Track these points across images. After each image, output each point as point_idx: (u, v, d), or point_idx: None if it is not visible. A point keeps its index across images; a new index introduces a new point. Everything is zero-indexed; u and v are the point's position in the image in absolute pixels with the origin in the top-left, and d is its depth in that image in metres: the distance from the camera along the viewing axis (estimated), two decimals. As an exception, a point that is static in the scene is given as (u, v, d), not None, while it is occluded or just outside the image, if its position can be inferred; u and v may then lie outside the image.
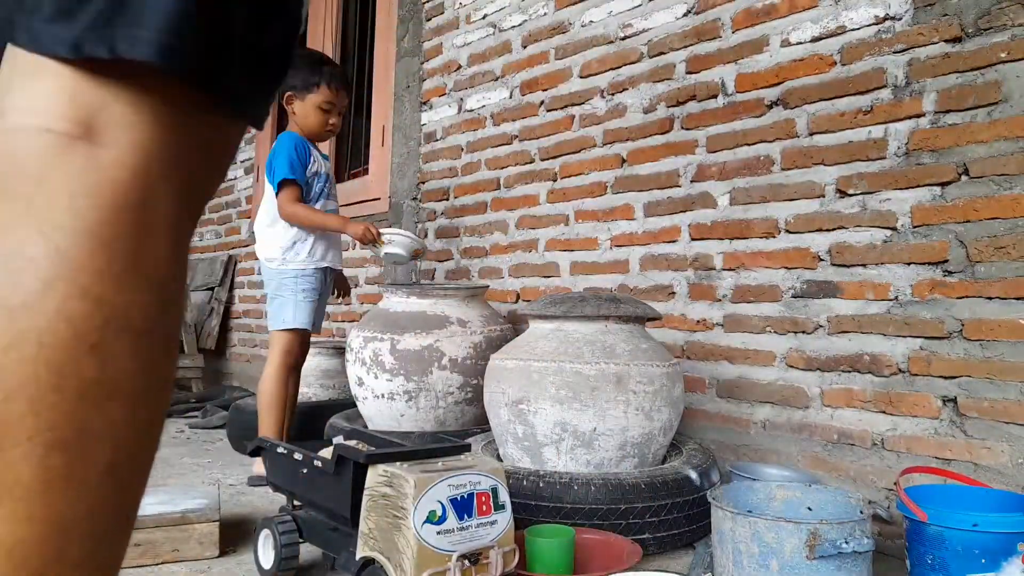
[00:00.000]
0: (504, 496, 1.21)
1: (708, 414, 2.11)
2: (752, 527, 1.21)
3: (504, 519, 1.20)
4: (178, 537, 1.46)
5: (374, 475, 1.17)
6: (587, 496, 1.50)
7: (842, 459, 1.82)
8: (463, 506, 1.15)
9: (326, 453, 1.32)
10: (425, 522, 1.10)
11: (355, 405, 2.32)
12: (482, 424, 2.10)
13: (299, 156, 2.19)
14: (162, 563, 1.44)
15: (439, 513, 1.12)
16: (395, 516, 1.12)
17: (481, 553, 1.15)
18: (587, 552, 1.39)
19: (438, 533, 1.11)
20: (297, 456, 1.35)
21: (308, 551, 1.41)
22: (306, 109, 2.21)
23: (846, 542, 1.16)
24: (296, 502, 1.46)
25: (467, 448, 1.33)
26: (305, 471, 1.34)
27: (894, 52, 1.77)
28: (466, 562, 1.12)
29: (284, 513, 1.42)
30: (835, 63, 1.87)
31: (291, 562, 1.34)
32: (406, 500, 1.10)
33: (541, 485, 1.52)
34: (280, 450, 1.41)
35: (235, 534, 1.60)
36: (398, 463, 1.18)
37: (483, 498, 1.18)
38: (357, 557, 1.19)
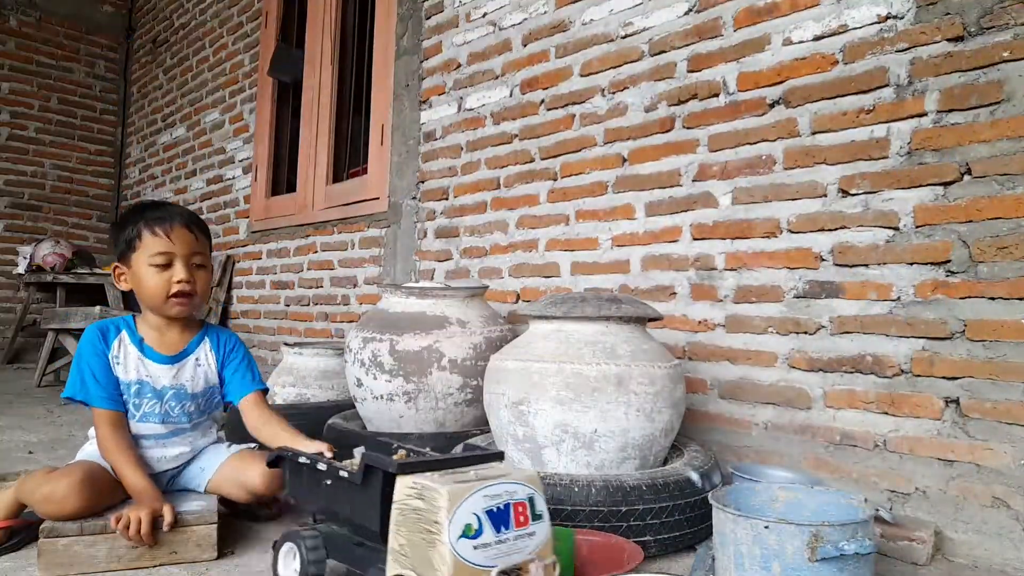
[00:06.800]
0: (541, 505, 1.13)
1: (710, 415, 2.10)
2: (754, 529, 1.20)
3: (543, 530, 1.12)
4: (176, 539, 1.45)
5: (403, 487, 1.09)
6: (588, 498, 1.49)
7: (844, 460, 1.81)
8: (500, 518, 1.07)
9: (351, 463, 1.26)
10: (461, 536, 1.02)
11: (354, 406, 2.31)
12: (482, 425, 2.09)
13: (92, 358, 1.59)
14: (160, 565, 1.43)
15: (475, 527, 1.04)
16: (428, 531, 1.05)
17: (521, 567, 1.07)
18: (588, 554, 1.38)
19: (475, 548, 1.03)
20: (321, 467, 1.28)
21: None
22: (138, 274, 1.59)
23: (848, 544, 1.15)
24: (318, 516, 1.38)
25: (500, 456, 1.26)
26: (329, 482, 1.26)
27: (896, 51, 1.76)
28: None
29: (310, 527, 1.33)
30: (837, 62, 1.87)
31: (317, 574, 1.28)
32: (440, 514, 1.03)
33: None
34: (302, 460, 1.34)
35: (233, 536, 1.59)
36: (429, 473, 1.10)
37: (520, 508, 1.10)
38: (388, 575, 1.11)
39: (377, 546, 1.16)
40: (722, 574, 1.27)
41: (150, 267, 1.57)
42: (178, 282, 1.57)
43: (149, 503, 1.44)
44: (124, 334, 1.63)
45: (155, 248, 1.56)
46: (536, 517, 1.12)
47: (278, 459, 1.45)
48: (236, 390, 1.71)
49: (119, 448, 1.54)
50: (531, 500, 1.12)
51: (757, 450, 1.99)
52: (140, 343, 1.64)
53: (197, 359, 1.69)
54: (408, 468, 1.12)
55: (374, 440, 1.44)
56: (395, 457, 1.30)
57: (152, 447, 1.64)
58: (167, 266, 1.57)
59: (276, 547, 1.35)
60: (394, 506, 1.11)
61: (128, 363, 1.61)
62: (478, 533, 1.04)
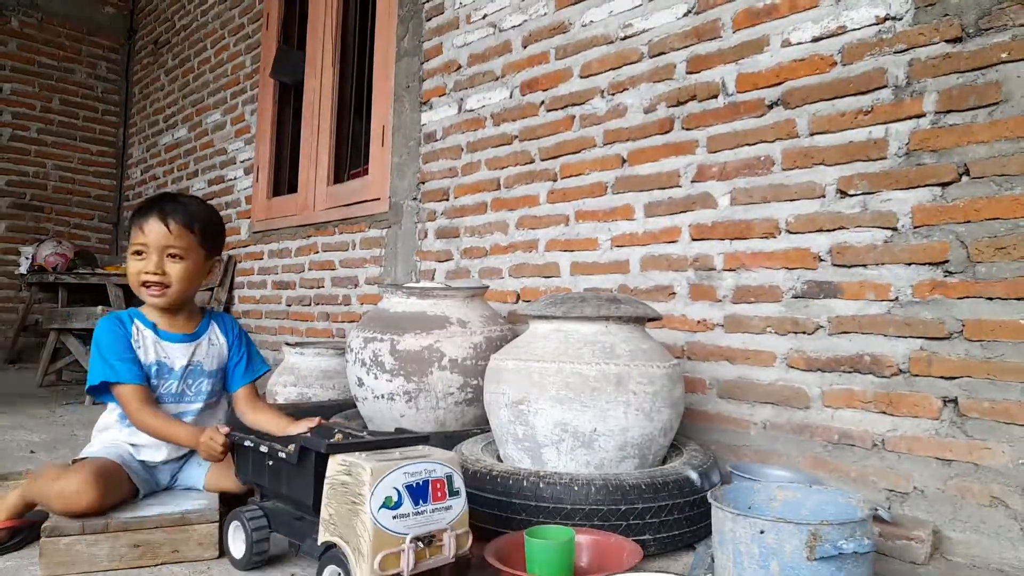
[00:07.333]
0: (459, 483, 1.26)
1: (708, 415, 2.11)
2: (752, 528, 1.20)
3: (459, 504, 1.25)
4: (178, 538, 1.46)
5: (334, 464, 1.23)
6: (587, 497, 1.49)
7: (843, 460, 1.82)
8: (418, 492, 1.20)
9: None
10: (381, 507, 1.15)
11: (355, 406, 2.32)
12: (482, 425, 2.10)
13: (115, 342, 1.63)
14: (162, 564, 1.44)
15: (395, 499, 1.17)
16: (353, 502, 1.17)
17: (435, 535, 1.20)
18: (587, 553, 1.39)
19: (394, 517, 1.17)
20: (263, 449, 1.40)
21: (275, 542, 1.46)
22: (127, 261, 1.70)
23: (846, 543, 1.15)
24: (264, 494, 1.51)
25: (425, 440, 1.39)
26: (271, 463, 1.40)
27: (895, 52, 1.77)
28: (420, 544, 1.18)
29: (253, 505, 1.47)
30: (836, 63, 1.87)
31: (261, 545, 1.40)
32: (363, 487, 1.16)
33: (541, 486, 1.52)
34: (247, 443, 1.45)
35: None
36: (357, 453, 1.23)
37: (438, 485, 1.23)
38: (319, 542, 1.24)
39: (313, 519, 1.28)
40: (721, 573, 1.28)
41: (131, 255, 1.66)
42: (146, 272, 1.63)
43: (204, 435, 1.54)
44: (137, 321, 1.69)
45: (134, 239, 1.65)
46: (453, 493, 1.25)
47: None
48: (234, 381, 1.79)
49: (156, 416, 1.61)
50: (449, 478, 1.25)
51: (756, 449, 1.99)
52: (154, 327, 1.69)
53: (210, 339, 1.76)
54: (337, 448, 1.26)
55: (335, 428, 1.54)
56: (330, 440, 1.42)
57: None
58: (141, 257, 1.64)
59: (224, 526, 1.47)
60: (326, 481, 1.24)
61: (147, 346, 1.67)
62: (397, 505, 1.18)
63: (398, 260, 3.23)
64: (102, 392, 1.64)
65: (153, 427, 1.60)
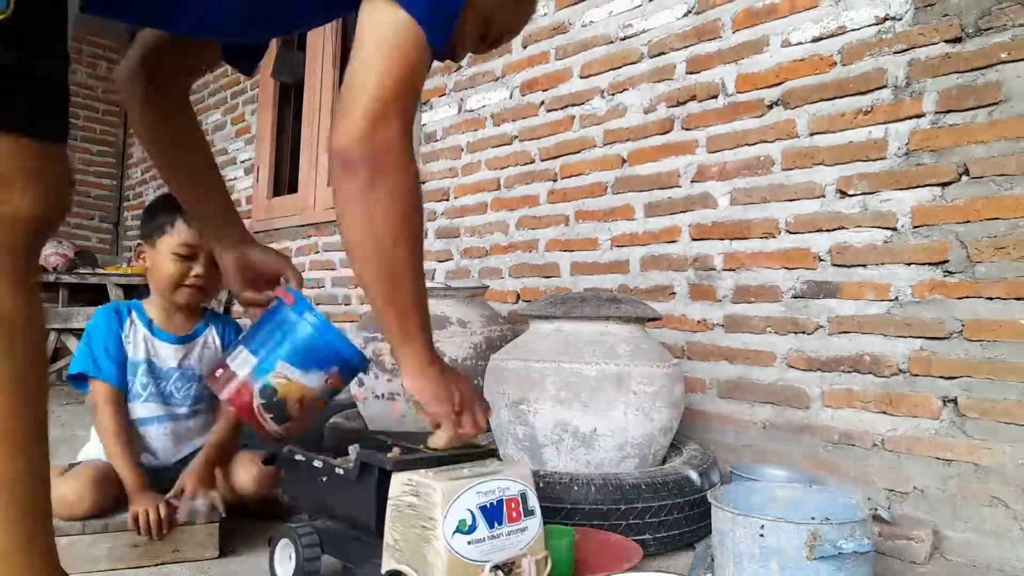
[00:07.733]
0: (533, 501, 1.15)
1: (708, 415, 2.11)
2: (752, 528, 1.20)
3: (535, 525, 1.14)
4: (178, 538, 1.46)
5: (398, 484, 1.11)
6: (587, 496, 1.49)
7: (843, 460, 1.82)
8: (493, 513, 1.09)
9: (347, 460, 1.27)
10: (455, 532, 1.04)
11: (355, 406, 2.32)
12: (482, 424, 2.09)
13: (107, 336, 1.62)
14: (162, 563, 1.44)
15: (469, 522, 1.06)
16: (423, 527, 1.06)
17: (514, 562, 1.09)
18: (587, 552, 1.38)
19: (469, 543, 1.05)
20: (316, 464, 1.28)
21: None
22: (158, 258, 1.63)
23: (846, 543, 1.15)
24: (313, 512, 1.40)
25: (494, 453, 1.27)
26: (325, 479, 1.27)
27: (894, 52, 1.77)
28: (500, 572, 1.07)
29: (306, 523, 1.35)
30: (835, 63, 1.87)
31: (313, 565, 1.28)
32: (434, 510, 1.04)
33: (541, 486, 1.52)
34: (298, 457, 1.34)
35: (235, 534, 1.60)
36: (423, 471, 1.12)
37: (512, 504, 1.12)
38: (383, 571, 1.12)
39: (372, 540, 1.16)
40: (721, 572, 1.28)
41: (173, 255, 1.61)
42: (196, 276, 1.62)
43: (149, 500, 1.46)
44: (134, 314, 1.67)
45: (179, 239, 1.61)
46: (528, 513, 1.13)
47: (273, 456, 1.47)
48: None
49: (117, 434, 1.56)
50: (523, 496, 1.13)
51: (756, 449, 1.99)
52: (149, 323, 1.67)
53: (206, 342, 1.73)
54: (403, 466, 1.13)
55: (371, 437, 1.43)
56: (390, 455, 1.29)
57: (152, 428, 1.66)
58: (189, 258, 1.62)
59: (272, 543, 1.35)
60: (389, 502, 1.12)
61: (137, 341, 1.65)
62: (472, 528, 1.06)
63: (398, 260, 3.23)
64: (82, 382, 1.63)
65: (108, 437, 1.55)
